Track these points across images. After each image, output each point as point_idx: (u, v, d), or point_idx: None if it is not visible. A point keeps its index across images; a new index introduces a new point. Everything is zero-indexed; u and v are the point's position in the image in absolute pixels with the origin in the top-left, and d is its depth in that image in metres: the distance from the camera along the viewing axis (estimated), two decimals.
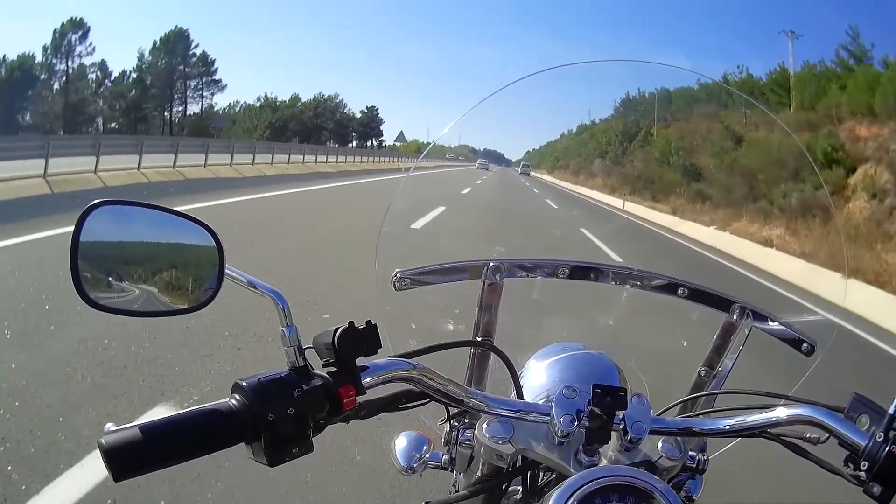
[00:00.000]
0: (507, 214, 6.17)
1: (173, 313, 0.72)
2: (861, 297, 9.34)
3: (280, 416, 0.62)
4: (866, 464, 0.68)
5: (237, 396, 0.63)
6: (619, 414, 0.73)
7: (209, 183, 15.68)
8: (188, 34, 54.09)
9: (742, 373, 1.03)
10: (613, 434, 0.74)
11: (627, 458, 0.75)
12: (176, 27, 54.24)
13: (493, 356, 0.97)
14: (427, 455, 0.95)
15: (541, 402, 0.85)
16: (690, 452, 0.83)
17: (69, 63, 47.05)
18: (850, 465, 0.71)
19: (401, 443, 0.96)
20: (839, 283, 5.50)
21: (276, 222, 10.14)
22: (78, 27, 46.59)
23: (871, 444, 0.68)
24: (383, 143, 75.69)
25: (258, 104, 63.35)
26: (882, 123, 21.06)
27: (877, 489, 0.67)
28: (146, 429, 0.57)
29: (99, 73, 50.33)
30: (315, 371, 0.68)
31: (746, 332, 1.02)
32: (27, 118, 46.45)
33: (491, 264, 1.01)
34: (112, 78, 51.42)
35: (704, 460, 0.86)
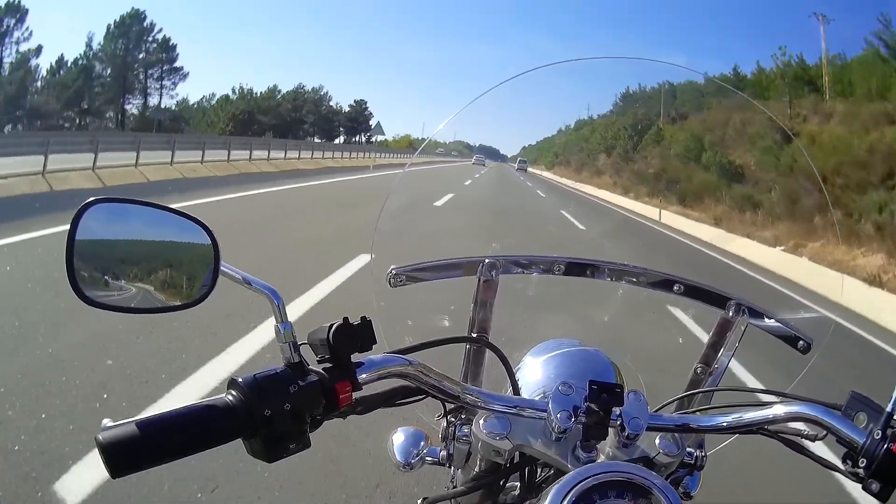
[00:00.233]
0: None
1: (169, 310, 0.72)
2: None
3: (277, 412, 0.62)
4: (865, 461, 0.68)
5: (233, 392, 0.63)
6: (616, 410, 0.73)
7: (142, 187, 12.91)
8: (145, 15, 47.49)
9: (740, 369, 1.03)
10: (611, 430, 0.74)
11: (625, 455, 0.75)
12: (132, 9, 47.51)
13: (488, 353, 0.97)
14: (424, 451, 0.95)
15: (537, 399, 0.85)
16: (688, 449, 0.83)
17: (1, 51, 39.84)
18: (849, 462, 0.71)
19: (398, 438, 0.96)
20: None
21: None
22: (14, 11, 39.37)
23: (869, 441, 0.69)
24: (372, 139, 73.91)
25: (234, 96, 58.48)
26: None
27: (876, 486, 0.68)
28: (143, 425, 0.57)
29: (40, 61, 42.77)
30: (311, 367, 0.68)
31: (742, 328, 1.02)
32: None
33: (486, 261, 1.01)
34: (64, 66, 44.20)
35: (702, 457, 0.86)
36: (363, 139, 69.66)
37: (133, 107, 49.21)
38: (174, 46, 49.81)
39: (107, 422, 0.57)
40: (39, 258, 5.41)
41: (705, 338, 1.05)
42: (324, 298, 5.16)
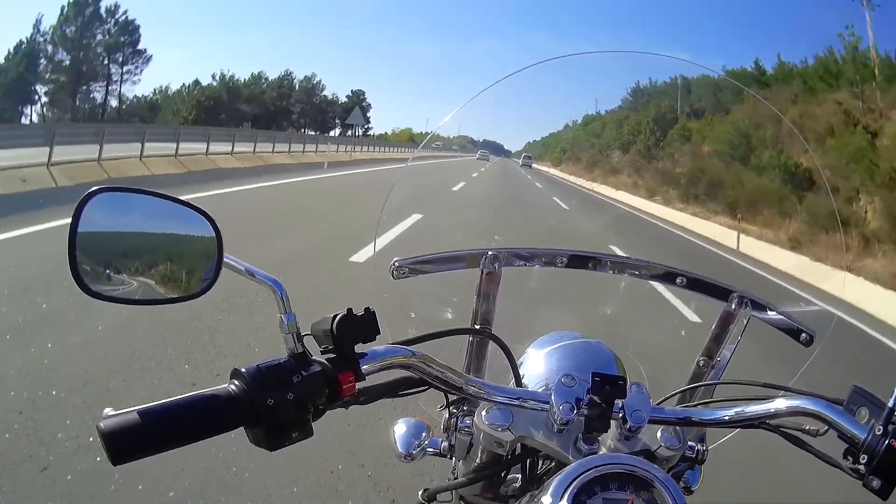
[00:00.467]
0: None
1: (172, 301, 0.72)
2: None
3: (279, 402, 0.62)
4: (865, 457, 0.68)
5: (236, 382, 0.63)
6: (619, 402, 0.73)
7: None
8: None
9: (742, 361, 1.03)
10: (612, 423, 0.75)
11: (626, 447, 0.75)
12: None
13: (491, 345, 0.98)
14: (426, 442, 0.95)
15: (540, 391, 0.85)
16: (689, 443, 0.83)
17: None
18: (850, 457, 0.70)
19: (400, 429, 0.96)
20: None
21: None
22: None
23: (870, 437, 0.68)
24: (369, 131, 68.29)
25: (215, 83, 53.79)
26: None
27: (876, 483, 0.67)
28: (145, 413, 0.57)
29: None
30: (314, 358, 0.68)
31: (745, 321, 1.02)
32: None
33: (489, 253, 1.01)
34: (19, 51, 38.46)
35: (703, 451, 0.86)
36: (359, 132, 65.92)
37: (96, 94, 44.25)
38: (137, 28, 44.64)
39: (108, 410, 0.57)
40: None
41: (708, 331, 1.05)
42: None
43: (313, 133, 50.07)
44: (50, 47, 41.53)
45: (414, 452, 0.94)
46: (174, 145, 16.17)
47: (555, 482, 0.64)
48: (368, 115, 69.27)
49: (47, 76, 41.79)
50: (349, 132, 62.54)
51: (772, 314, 1.03)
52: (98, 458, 2.38)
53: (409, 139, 69.41)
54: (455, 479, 0.94)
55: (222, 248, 0.71)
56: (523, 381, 0.94)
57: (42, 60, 41.42)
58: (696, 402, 0.96)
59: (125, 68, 45.09)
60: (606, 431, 0.74)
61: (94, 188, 0.67)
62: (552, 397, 0.75)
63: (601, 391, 0.72)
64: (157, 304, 0.73)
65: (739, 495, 2.90)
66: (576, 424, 0.75)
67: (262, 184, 12.50)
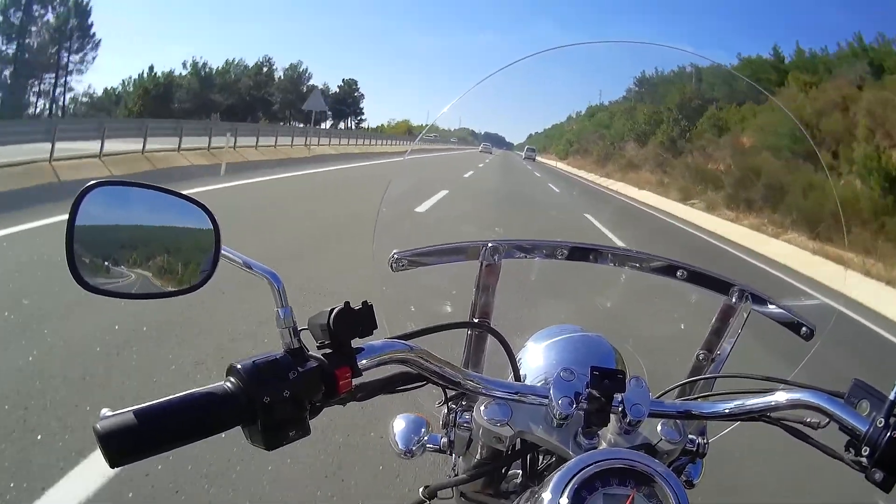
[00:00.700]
0: None
1: (170, 295, 0.71)
2: None
3: (276, 399, 0.62)
4: (867, 449, 0.68)
5: (232, 379, 0.62)
6: (618, 396, 0.73)
7: None
8: None
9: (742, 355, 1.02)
10: (612, 417, 0.74)
11: (627, 442, 0.75)
12: None
13: (490, 338, 0.97)
14: (426, 438, 0.94)
15: (539, 385, 0.85)
16: (690, 436, 0.83)
17: None
18: (851, 450, 0.70)
19: (399, 425, 0.96)
20: None
21: None
22: None
23: (871, 429, 0.68)
24: (362, 123, 64.94)
25: (187, 71, 49.28)
26: None
27: (878, 475, 0.67)
28: (141, 413, 0.57)
29: None
30: (311, 353, 0.67)
31: (745, 315, 1.02)
32: None
33: (489, 245, 1.01)
34: None
35: (704, 444, 0.86)
36: (352, 124, 62.49)
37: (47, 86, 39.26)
38: (89, 11, 39.49)
39: (105, 411, 0.56)
40: None
41: (708, 324, 1.05)
42: None
43: (302, 125, 44.79)
44: None
45: (413, 449, 0.94)
46: (119, 142, 13.99)
47: (555, 478, 0.64)
48: (361, 105, 65.94)
49: None
50: (341, 124, 59.95)
51: (772, 308, 1.03)
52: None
53: (406, 132, 66.81)
54: (455, 475, 0.94)
55: (220, 239, 0.71)
56: (522, 375, 0.94)
57: None
58: (696, 396, 0.96)
59: (76, 57, 40.41)
60: (606, 426, 0.74)
61: (91, 182, 0.67)
62: (551, 391, 0.75)
63: (600, 385, 0.72)
64: (155, 298, 0.72)
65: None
66: (575, 419, 0.74)
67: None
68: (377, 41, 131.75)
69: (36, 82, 39.85)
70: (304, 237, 7.26)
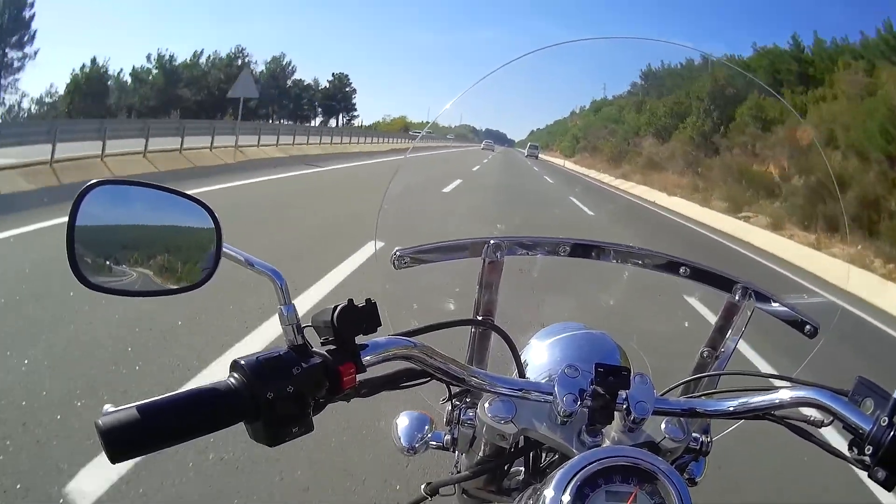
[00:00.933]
0: None
1: (171, 292, 0.71)
2: None
3: (279, 395, 0.62)
4: (871, 448, 0.68)
5: (236, 375, 0.62)
6: (622, 394, 0.73)
7: None
8: None
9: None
10: (616, 414, 0.74)
11: (630, 439, 0.75)
12: None
13: (493, 335, 0.97)
14: (429, 435, 0.94)
15: (543, 382, 0.85)
16: (694, 434, 0.83)
17: None
18: (855, 449, 0.70)
19: (402, 422, 0.96)
20: None
21: None
22: None
23: (875, 428, 0.68)
24: (354, 120, 59.94)
25: (148, 66, 44.08)
26: None
27: (882, 474, 0.67)
28: (144, 409, 0.57)
29: None
30: (314, 349, 0.67)
31: (749, 312, 1.02)
32: None
33: (491, 242, 1.00)
34: None
35: (708, 442, 0.86)
36: (343, 120, 57.32)
37: None
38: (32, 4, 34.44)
39: (108, 407, 0.56)
40: None
41: (712, 321, 1.04)
42: None
43: (287, 123, 42.63)
44: None
45: (417, 446, 0.94)
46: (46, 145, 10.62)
47: (557, 475, 0.64)
48: (354, 101, 60.12)
49: None
50: (332, 121, 54.70)
51: (776, 305, 1.02)
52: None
53: (402, 129, 63.00)
54: (458, 472, 0.94)
55: (221, 237, 0.71)
56: (526, 372, 0.94)
57: None
58: (700, 394, 0.95)
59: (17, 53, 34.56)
60: (610, 423, 0.74)
61: (92, 181, 0.67)
62: (555, 388, 0.75)
63: (605, 382, 0.72)
64: (156, 296, 0.72)
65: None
66: (579, 416, 0.74)
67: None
68: (373, 36, 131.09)
69: None
70: None
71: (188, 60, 46.92)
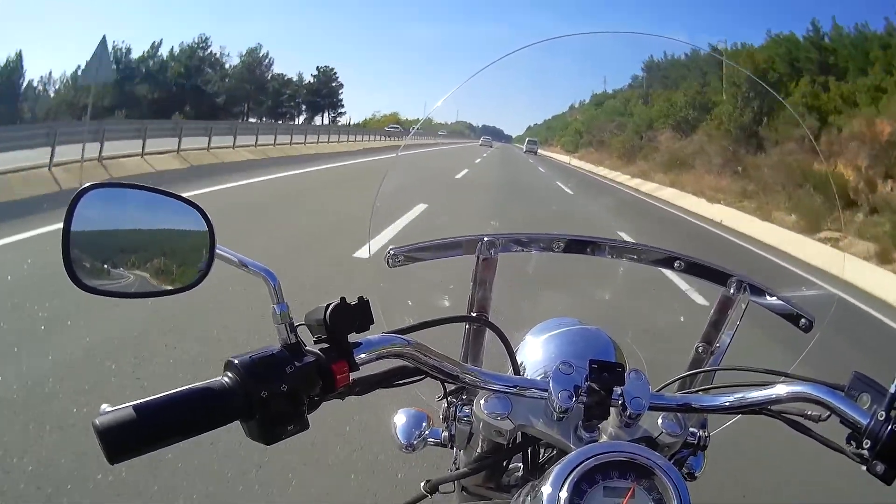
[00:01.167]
0: None
1: (166, 293, 0.72)
2: None
3: (273, 394, 0.62)
4: (869, 442, 0.68)
5: (230, 374, 0.62)
6: (618, 390, 0.73)
7: None
8: None
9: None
10: (612, 410, 0.74)
11: (627, 435, 0.75)
12: None
13: (488, 332, 0.97)
14: (426, 432, 0.94)
15: (538, 378, 0.85)
16: (691, 429, 0.83)
17: None
18: (853, 443, 0.71)
19: (400, 420, 0.96)
20: None
21: None
22: None
23: (872, 422, 0.68)
24: (340, 118, 56.25)
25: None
26: None
27: (880, 468, 0.68)
28: (140, 408, 0.57)
29: None
30: (307, 348, 0.67)
31: (744, 306, 1.01)
32: None
33: (485, 239, 1.00)
34: None
35: (705, 437, 0.86)
36: (329, 118, 52.64)
37: None
38: None
39: (105, 406, 0.56)
40: None
41: (706, 316, 1.04)
42: None
43: (264, 121, 38.08)
44: None
45: (415, 443, 0.94)
46: None
47: (555, 471, 0.64)
48: (340, 96, 55.57)
49: None
50: (317, 118, 49.76)
51: (771, 299, 1.02)
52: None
53: (395, 124, 58.08)
54: (457, 469, 0.94)
55: (214, 238, 0.71)
56: (521, 368, 0.94)
57: None
58: (696, 389, 0.95)
59: None
60: (606, 419, 0.74)
61: (86, 185, 0.67)
62: (550, 385, 0.75)
63: (599, 378, 0.72)
64: (150, 297, 0.72)
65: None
66: (575, 412, 0.74)
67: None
68: (362, 28, 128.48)
69: None
70: None
71: (145, 53, 42.90)
